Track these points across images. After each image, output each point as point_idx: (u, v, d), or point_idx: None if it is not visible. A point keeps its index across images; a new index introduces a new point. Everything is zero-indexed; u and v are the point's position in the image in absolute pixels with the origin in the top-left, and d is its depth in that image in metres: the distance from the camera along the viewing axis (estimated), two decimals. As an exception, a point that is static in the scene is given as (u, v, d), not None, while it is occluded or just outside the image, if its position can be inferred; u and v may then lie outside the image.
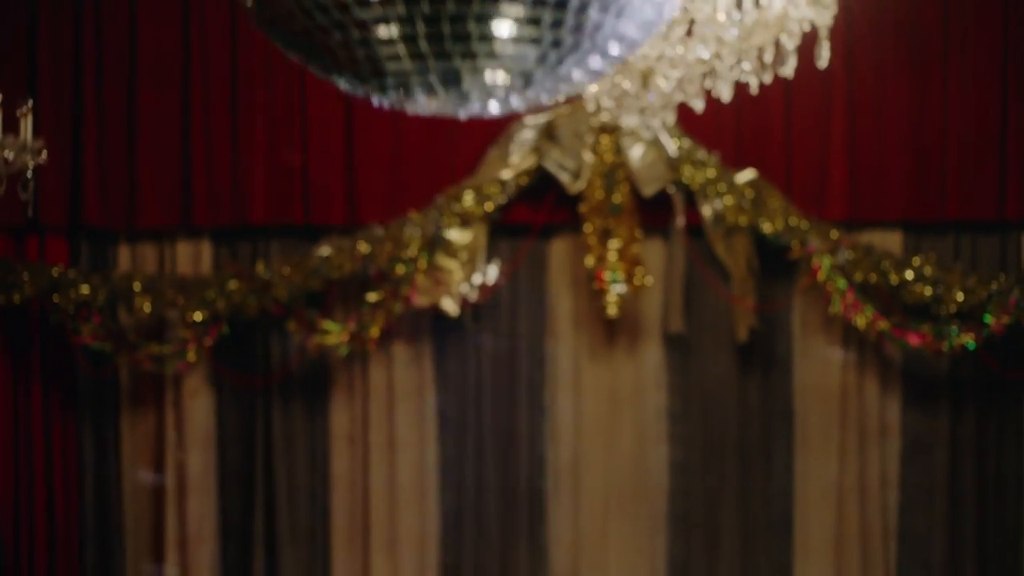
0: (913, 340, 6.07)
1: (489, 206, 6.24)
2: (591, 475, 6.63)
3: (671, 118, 4.62)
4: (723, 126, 6.30)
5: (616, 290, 6.12)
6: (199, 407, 6.67)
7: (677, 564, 6.66)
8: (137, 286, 6.26)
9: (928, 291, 6.04)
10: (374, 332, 6.21)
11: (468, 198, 6.23)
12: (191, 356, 6.29)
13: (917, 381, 6.52)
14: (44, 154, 5.04)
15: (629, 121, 4.67)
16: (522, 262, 6.57)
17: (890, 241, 6.40)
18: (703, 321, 6.54)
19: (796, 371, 6.58)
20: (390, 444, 6.67)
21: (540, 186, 6.32)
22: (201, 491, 6.71)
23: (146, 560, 6.76)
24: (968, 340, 6.05)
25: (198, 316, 6.20)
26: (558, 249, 6.58)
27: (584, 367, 6.61)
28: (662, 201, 6.33)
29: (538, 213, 6.33)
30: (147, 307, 6.21)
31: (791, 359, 6.57)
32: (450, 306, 6.29)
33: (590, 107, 4.61)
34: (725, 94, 4.17)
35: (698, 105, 4.29)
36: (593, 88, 4.25)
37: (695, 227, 6.31)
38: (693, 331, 6.52)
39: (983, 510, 6.53)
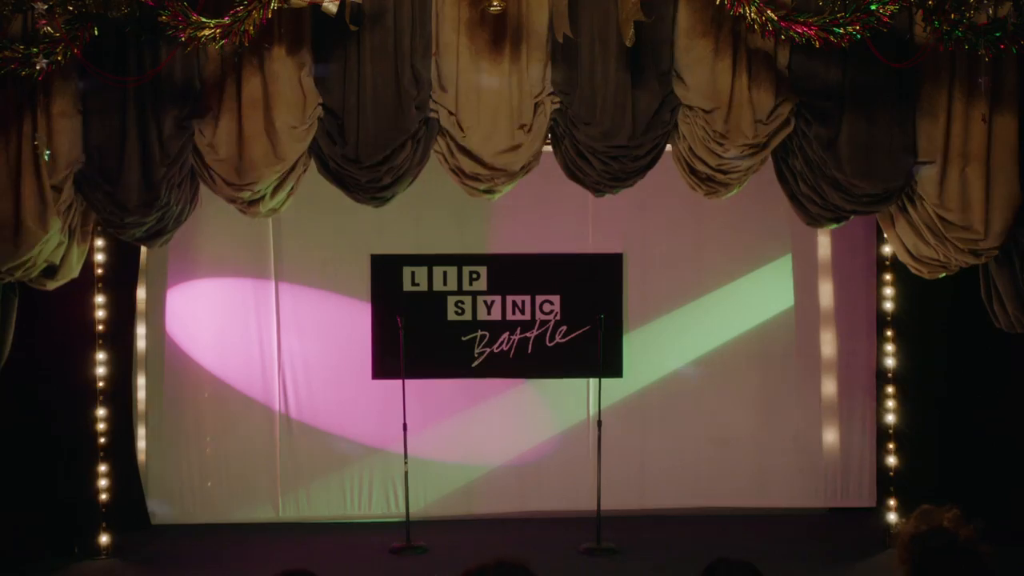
0: (800, 30, 5.95)
1: None
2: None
3: None
4: None
5: (502, -20, 5.94)
6: (65, 129, 6.41)
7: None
8: (0, -22, 5.99)
9: (815, -23, 5.94)
10: (248, 26, 5.96)
11: None
12: (60, 56, 6.03)
13: (807, 93, 6.45)
14: None
15: None
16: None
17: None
18: (591, 35, 6.40)
19: (685, 85, 6.47)
20: (267, 165, 6.47)
21: None
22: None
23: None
24: (854, 31, 5.95)
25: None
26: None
27: (471, 81, 6.44)
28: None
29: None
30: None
31: (674, 71, 6.46)
32: (330, 5, 6.08)
33: None
34: None
35: None
36: None
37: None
38: (581, 44, 6.38)
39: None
